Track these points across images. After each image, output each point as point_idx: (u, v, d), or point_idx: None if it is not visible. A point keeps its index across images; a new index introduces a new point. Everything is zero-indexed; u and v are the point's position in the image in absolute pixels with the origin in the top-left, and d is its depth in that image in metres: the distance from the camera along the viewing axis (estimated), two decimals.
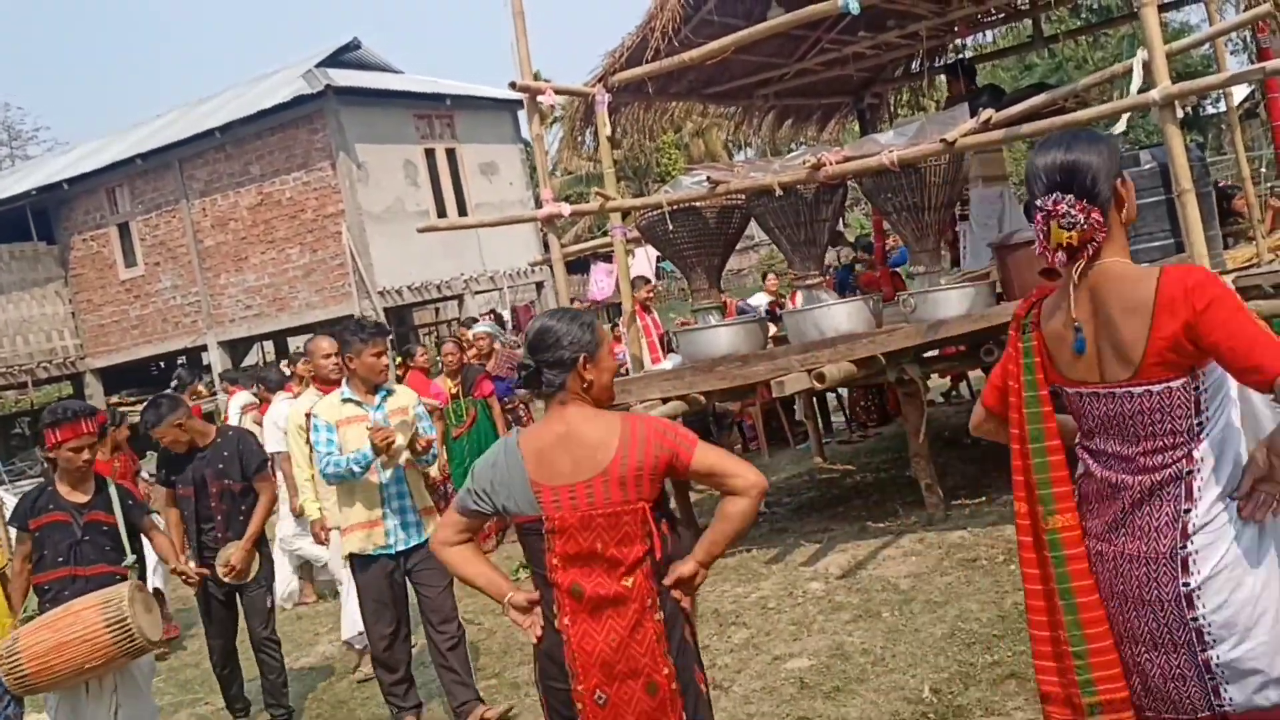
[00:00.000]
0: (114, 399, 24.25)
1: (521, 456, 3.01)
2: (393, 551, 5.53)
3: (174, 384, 13.76)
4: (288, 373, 10.97)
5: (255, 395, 10.74)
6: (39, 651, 4.62)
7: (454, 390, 9.63)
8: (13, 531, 5.31)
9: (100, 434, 5.37)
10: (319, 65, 22.41)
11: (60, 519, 5.00)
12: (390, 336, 6.29)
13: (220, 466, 6.02)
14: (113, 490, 5.20)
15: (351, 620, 6.67)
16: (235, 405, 11.25)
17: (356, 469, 5.40)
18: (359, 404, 5.56)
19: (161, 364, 26.87)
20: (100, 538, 5.05)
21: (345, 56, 23.50)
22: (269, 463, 6.28)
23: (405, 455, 5.53)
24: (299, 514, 7.81)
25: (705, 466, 2.98)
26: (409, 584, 5.66)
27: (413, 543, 5.54)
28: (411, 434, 5.51)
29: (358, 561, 5.57)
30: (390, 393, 5.69)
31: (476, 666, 6.18)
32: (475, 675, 5.81)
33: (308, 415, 5.93)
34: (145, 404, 6.17)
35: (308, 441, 6.35)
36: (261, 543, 6.14)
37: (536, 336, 3.04)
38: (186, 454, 6.04)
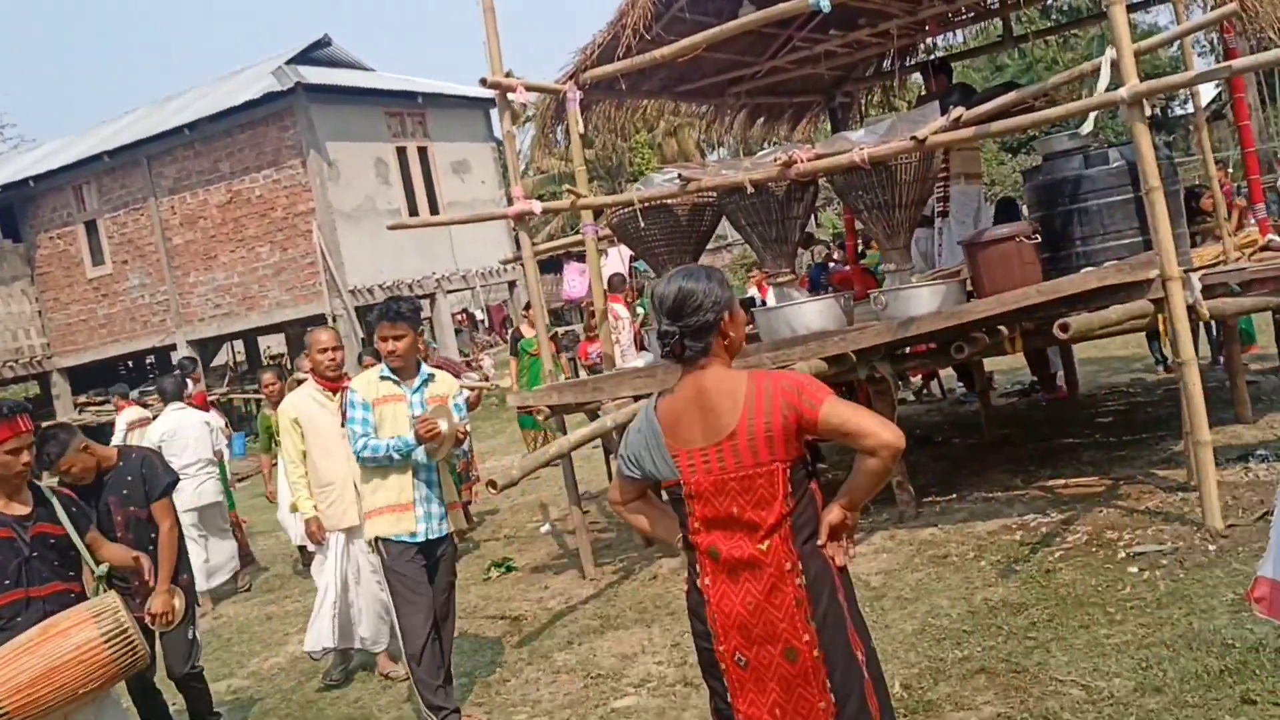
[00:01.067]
0: (82, 398, 24.05)
1: (658, 422, 3.01)
2: (420, 540, 5.28)
3: (177, 371, 13.25)
4: (189, 384, 10.64)
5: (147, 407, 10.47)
6: (21, 683, 3.99)
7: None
8: None
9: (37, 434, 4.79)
10: (289, 62, 22.27)
11: (2, 535, 4.34)
12: (420, 327, 5.92)
13: (125, 492, 5.47)
14: (54, 499, 4.58)
15: (317, 633, 6.46)
16: (122, 421, 10.82)
17: (396, 456, 5.20)
18: (397, 383, 5.35)
19: (129, 363, 26.65)
20: (49, 552, 4.41)
21: (316, 54, 23.37)
22: (174, 485, 5.67)
23: (448, 448, 5.31)
24: (293, 510, 7.40)
25: (836, 424, 2.88)
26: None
27: (435, 535, 5.33)
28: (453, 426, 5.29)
29: (389, 546, 5.28)
30: (431, 377, 5.47)
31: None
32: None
33: (348, 403, 5.45)
34: (41, 439, 5.11)
35: (304, 437, 6.27)
36: (177, 572, 5.45)
37: (677, 302, 2.96)
38: (94, 484, 5.43)
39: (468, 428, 5.57)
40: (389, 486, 5.29)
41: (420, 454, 5.26)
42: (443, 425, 5.17)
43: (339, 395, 6.17)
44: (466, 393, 5.73)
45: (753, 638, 2.93)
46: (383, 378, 5.36)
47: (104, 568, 4.56)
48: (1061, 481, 7.48)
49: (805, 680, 2.91)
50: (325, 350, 6.28)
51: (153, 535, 5.42)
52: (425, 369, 5.50)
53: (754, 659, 2.94)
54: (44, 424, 5.80)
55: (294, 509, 6.98)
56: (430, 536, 5.31)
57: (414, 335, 5.40)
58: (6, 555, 4.30)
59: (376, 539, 5.34)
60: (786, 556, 2.92)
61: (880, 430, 2.88)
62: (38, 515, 4.44)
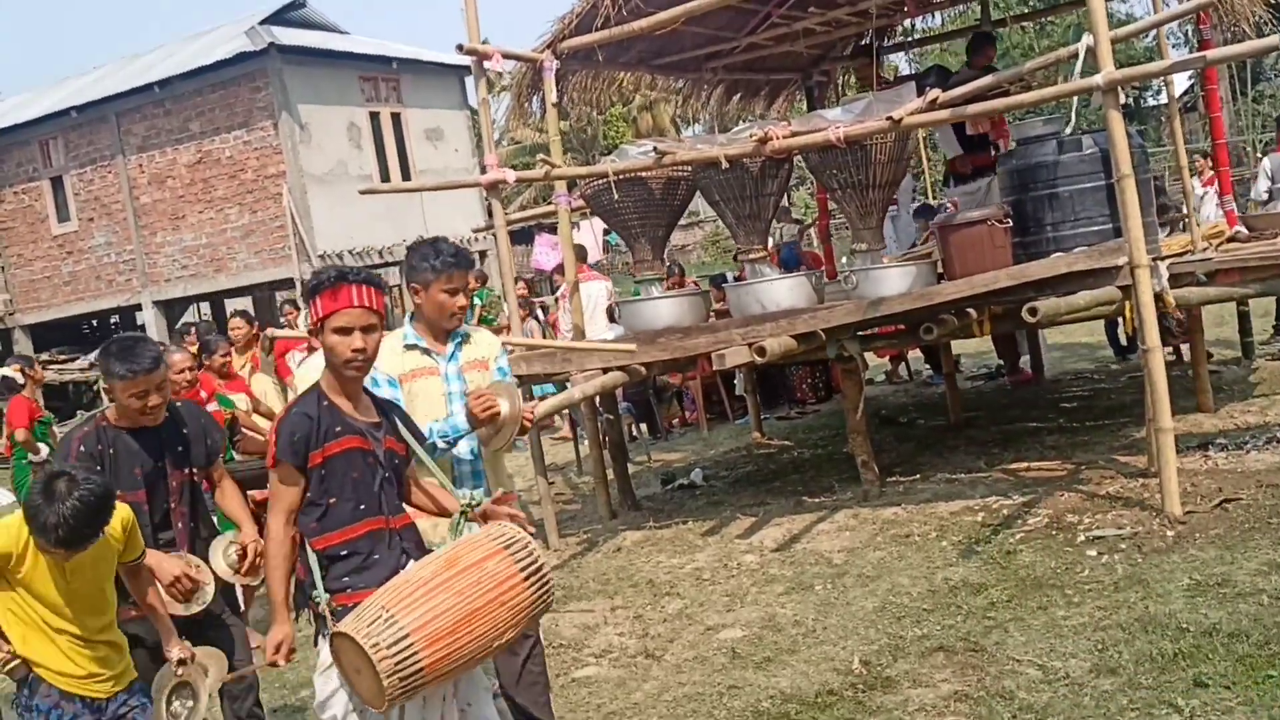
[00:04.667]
0: (44, 356, 23.77)
1: None
2: None
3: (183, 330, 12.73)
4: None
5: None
6: (439, 630, 3.01)
7: None
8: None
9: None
10: (262, 23, 21.92)
11: (358, 445, 3.37)
12: (473, 269, 4.64)
13: (180, 449, 4.34)
14: (393, 411, 3.63)
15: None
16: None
17: (442, 444, 4.00)
18: (427, 352, 4.18)
19: (94, 322, 26.34)
20: (394, 475, 3.50)
21: (290, 15, 23.04)
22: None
23: (509, 436, 4.22)
24: None
25: None
26: None
27: None
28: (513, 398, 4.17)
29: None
30: (465, 337, 4.30)
31: None
32: None
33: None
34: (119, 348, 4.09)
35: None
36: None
37: None
38: (150, 432, 4.29)
39: (533, 407, 4.44)
40: None
41: (464, 446, 4.15)
42: (504, 405, 4.05)
43: None
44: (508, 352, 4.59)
45: None
46: (408, 346, 4.18)
47: (478, 494, 3.58)
48: (1024, 465, 7.55)
49: None
50: None
51: (197, 507, 4.46)
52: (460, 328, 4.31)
53: None
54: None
55: None
56: None
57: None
58: (364, 472, 3.38)
59: None
60: None
61: None
62: (384, 426, 3.51)
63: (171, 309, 23.32)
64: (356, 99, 22.24)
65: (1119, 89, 6.05)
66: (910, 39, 11.96)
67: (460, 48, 7.82)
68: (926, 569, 5.90)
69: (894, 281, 7.10)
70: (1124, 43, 6.45)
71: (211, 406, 6.78)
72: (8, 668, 3.59)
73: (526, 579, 3.15)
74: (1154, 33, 7.41)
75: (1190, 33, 25.16)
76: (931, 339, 7.03)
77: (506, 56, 8.19)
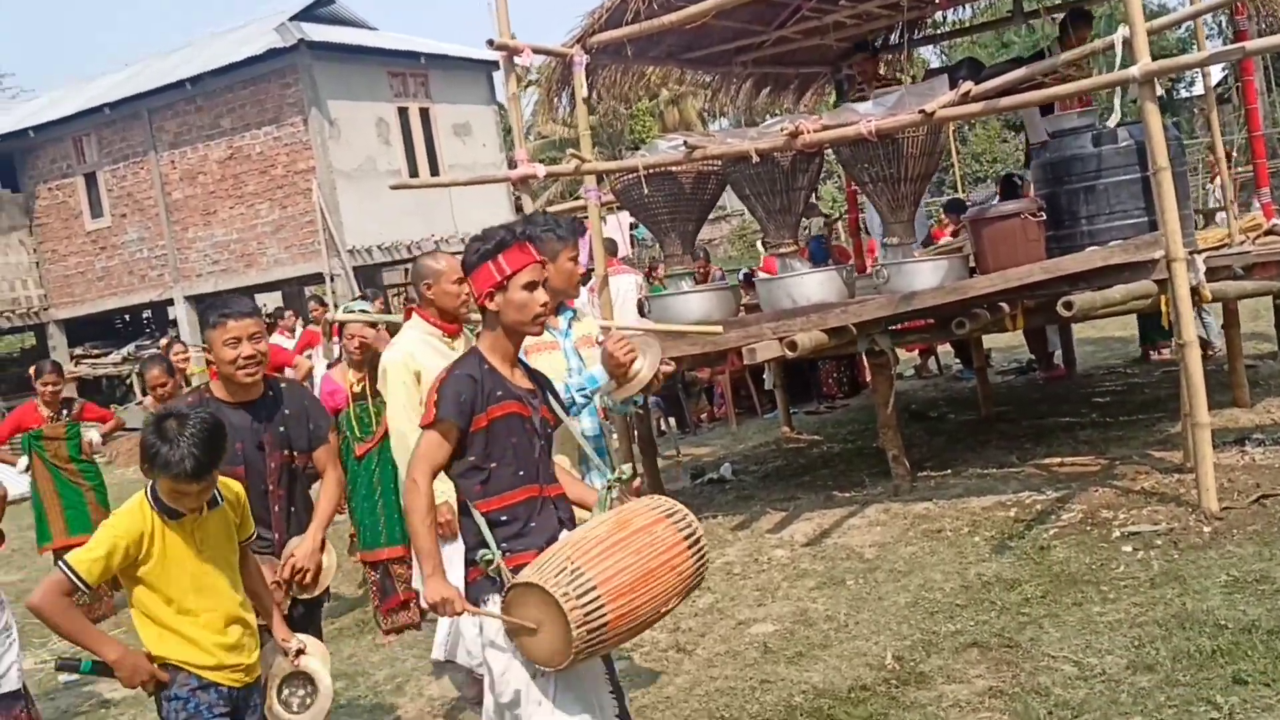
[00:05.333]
0: (78, 350, 24.00)
1: None
2: None
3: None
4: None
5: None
6: (622, 586, 2.96)
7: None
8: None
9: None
10: (292, 19, 22.06)
11: (516, 410, 3.29)
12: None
13: (282, 429, 4.13)
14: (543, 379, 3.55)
15: (442, 638, 4.61)
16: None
17: (581, 399, 3.94)
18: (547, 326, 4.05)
19: (126, 317, 26.57)
20: (548, 444, 3.46)
21: (319, 11, 23.14)
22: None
23: (636, 389, 4.03)
24: None
25: None
26: None
27: None
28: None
29: None
30: (575, 314, 4.32)
31: None
32: None
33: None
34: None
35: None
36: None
37: None
38: (251, 405, 4.11)
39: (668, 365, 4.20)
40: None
41: (587, 423, 4.09)
42: (643, 359, 3.93)
43: (459, 341, 4.84)
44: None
45: None
46: None
47: (627, 468, 3.48)
48: (1057, 460, 7.50)
49: None
50: (458, 280, 4.71)
51: (294, 491, 4.22)
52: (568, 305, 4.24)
53: None
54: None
55: None
56: None
57: None
58: (522, 438, 3.30)
59: None
60: None
61: None
62: (538, 394, 3.43)
63: (203, 304, 23.46)
64: (385, 95, 22.31)
65: (1155, 81, 5.99)
66: (940, 32, 11.88)
67: (491, 43, 7.82)
68: (959, 564, 5.87)
69: (925, 275, 7.06)
70: (1155, 35, 6.37)
71: None
72: (152, 680, 3.44)
73: (689, 548, 3.15)
74: (1186, 24, 7.33)
75: (1224, 24, 24.88)
76: (964, 333, 6.99)
77: (537, 51, 8.18)
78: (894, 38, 11.36)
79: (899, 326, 7.38)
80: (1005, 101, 6.65)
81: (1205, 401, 5.97)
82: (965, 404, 10.28)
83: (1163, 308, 6.41)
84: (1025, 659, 4.58)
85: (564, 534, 3.26)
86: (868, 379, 10.19)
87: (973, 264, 7.49)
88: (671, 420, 12.10)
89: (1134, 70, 5.92)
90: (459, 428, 3.20)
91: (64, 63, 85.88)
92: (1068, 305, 5.82)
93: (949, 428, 9.55)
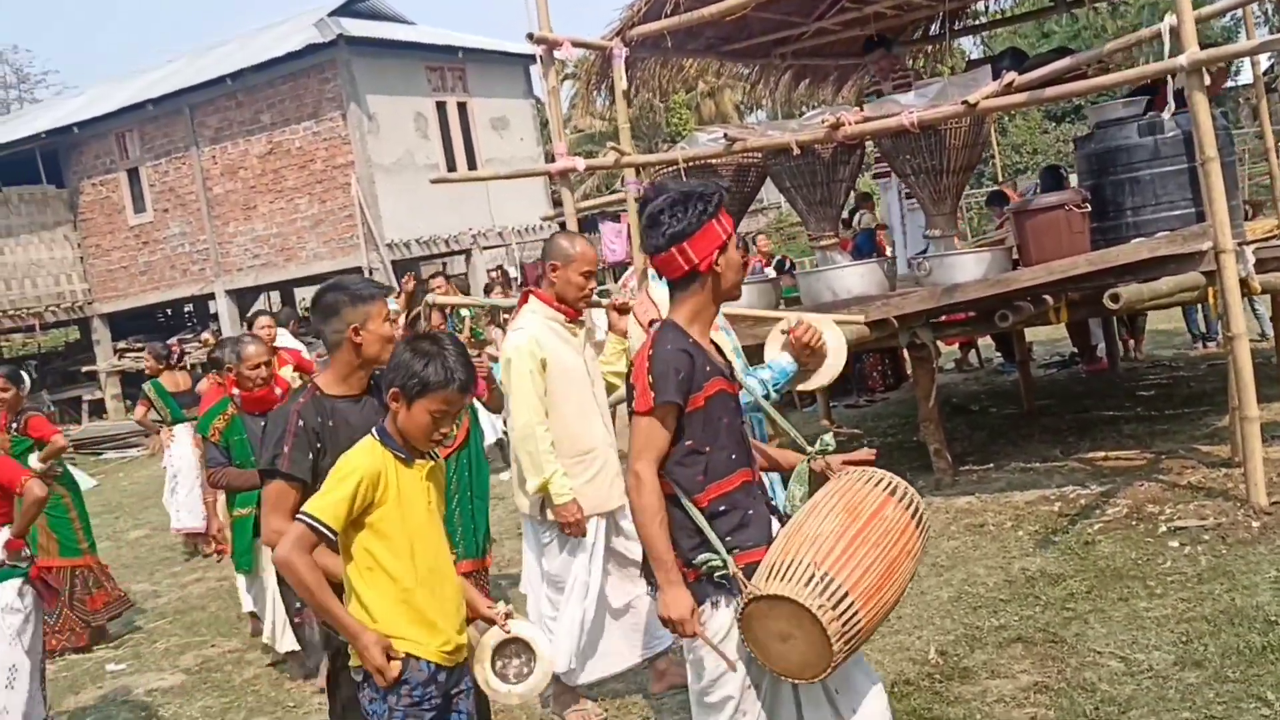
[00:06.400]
0: (121, 344, 24.29)
1: None
2: None
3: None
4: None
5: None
6: (870, 587, 2.80)
7: None
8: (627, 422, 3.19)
9: None
10: (331, 14, 22.20)
11: (726, 389, 3.07)
12: None
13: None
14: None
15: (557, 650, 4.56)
16: None
17: (768, 393, 3.66)
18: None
19: (168, 311, 26.86)
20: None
21: (357, 6, 23.27)
22: None
23: (838, 367, 3.81)
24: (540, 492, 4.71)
25: None
26: None
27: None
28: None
29: None
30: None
31: None
32: None
33: None
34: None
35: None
36: None
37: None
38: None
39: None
40: None
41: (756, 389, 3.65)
42: (829, 335, 3.74)
43: (582, 330, 4.67)
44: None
45: None
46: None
47: (828, 439, 3.29)
48: (1101, 454, 7.43)
49: None
50: (586, 273, 4.54)
51: None
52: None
53: None
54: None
55: (540, 490, 4.55)
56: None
57: None
58: (731, 417, 3.06)
59: None
60: None
61: None
62: (730, 369, 3.22)
63: (243, 298, 23.70)
64: (423, 89, 22.40)
65: (1203, 70, 5.91)
66: (980, 22, 11.75)
67: (531, 36, 7.82)
68: (1003, 559, 5.82)
69: (968, 268, 7.01)
70: (1200, 24, 6.28)
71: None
72: (390, 663, 3.02)
73: (917, 525, 2.95)
74: (1232, 13, 7.21)
75: (1270, 12, 24.53)
76: (1006, 326, 6.93)
77: (576, 45, 8.18)
78: (934, 28, 11.27)
79: (942, 319, 7.33)
80: (1050, 92, 6.58)
81: (1254, 395, 5.89)
82: (1007, 397, 10.21)
83: (1210, 300, 6.33)
84: (1070, 654, 4.54)
85: (775, 526, 3.04)
86: (908, 372, 10.15)
87: (1016, 256, 7.43)
88: None
89: (1181, 59, 5.84)
90: (679, 409, 2.93)
91: (107, 60, 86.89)
92: (1114, 297, 5.75)
93: (991, 421, 9.49)
